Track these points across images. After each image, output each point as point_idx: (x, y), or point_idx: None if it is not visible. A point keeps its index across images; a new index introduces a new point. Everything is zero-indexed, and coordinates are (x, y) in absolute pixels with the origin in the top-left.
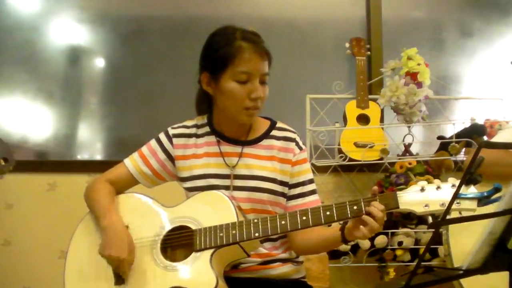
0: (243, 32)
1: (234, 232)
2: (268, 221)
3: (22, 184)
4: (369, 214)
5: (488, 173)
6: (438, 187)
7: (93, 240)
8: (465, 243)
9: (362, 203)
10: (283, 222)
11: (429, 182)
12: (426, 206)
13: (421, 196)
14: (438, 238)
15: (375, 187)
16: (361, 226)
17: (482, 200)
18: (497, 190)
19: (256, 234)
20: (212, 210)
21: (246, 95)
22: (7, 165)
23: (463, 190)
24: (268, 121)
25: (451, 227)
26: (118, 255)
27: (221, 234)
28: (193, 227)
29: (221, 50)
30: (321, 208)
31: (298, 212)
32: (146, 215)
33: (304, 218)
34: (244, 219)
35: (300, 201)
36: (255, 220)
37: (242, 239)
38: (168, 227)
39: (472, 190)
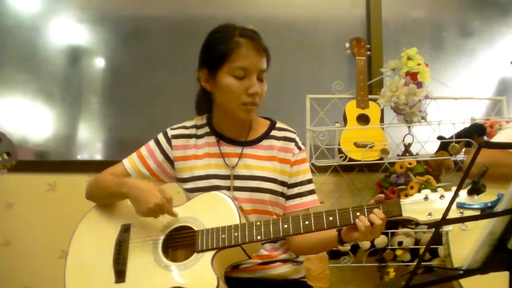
0: (241, 29)
1: (236, 234)
2: (271, 225)
3: (22, 184)
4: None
5: (488, 174)
6: (442, 196)
7: (94, 238)
8: (465, 243)
9: (365, 210)
10: (285, 226)
11: (429, 182)
12: (429, 215)
13: (425, 205)
14: (438, 238)
15: (382, 195)
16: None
17: (485, 211)
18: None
19: (259, 237)
20: (215, 211)
21: (243, 90)
22: (10, 159)
23: (466, 200)
24: (268, 121)
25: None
26: (155, 201)
27: (223, 236)
28: (195, 227)
29: (219, 46)
30: (324, 213)
31: (300, 216)
32: None
33: (306, 222)
34: (247, 221)
35: (298, 201)
36: (258, 223)
37: (244, 242)
38: (171, 227)
39: (475, 200)
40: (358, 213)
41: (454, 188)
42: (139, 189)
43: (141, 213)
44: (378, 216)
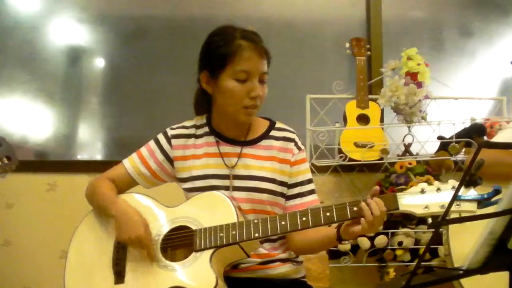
0: (242, 32)
1: (234, 232)
2: (268, 222)
3: (22, 184)
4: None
5: (488, 173)
6: (438, 189)
7: (94, 239)
8: (465, 243)
9: (361, 204)
10: (283, 223)
11: (429, 182)
12: (426, 208)
13: (421, 198)
14: (438, 238)
15: (376, 187)
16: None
17: (482, 202)
18: (497, 192)
19: (256, 235)
20: (213, 211)
21: (246, 94)
22: (10, 163)
23: (463, 192)
24: (267, 121)
25: (451, 227)
26: (137, 234)
27: (221, 234)
28: (193, 227)
29: (221, 48)
30: (321, 209)
31: (298, 213)
32: (147, 215)
33: (303, 218)
34: (244, 219)
35: (298, 201)
36: (255, 221)
37: (242, 240)
38: (169, 227)
39: (472, 192)
40: (355, 208)
41: (450, 181)
42: (126, 216)
43: (120, 239)
44: (378, 204)
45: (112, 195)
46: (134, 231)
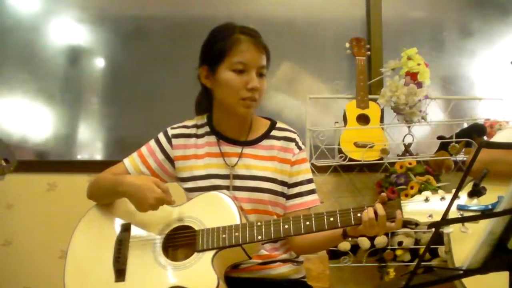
0: (241, 28)
1: (237, 234)
2: (271, 225)
3: (22, 184)
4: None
5: (489, 172)
6: (442, 198)
7: (94, 237)
8: (466, 242)
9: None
10: (286, 226)
11: (429, 182)
12: (430, 216)
13: (425, 206)
14: (438, 238)
15: (384, 194)
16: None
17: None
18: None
19: (259, 237)
20: (215, 211)
21: (243, 85)
22: (8, 165)
23: (467, 202)
24: (268, 121)
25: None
26: (155, 196)
27: (224, 236)
28: (196, 227)
29: (219, 42)
30: (325, 213)
31: (301, 217)
32: (149, 214)
33: (307, 223)
34: (247, 221)
35: (298, 200)
36: (258, 223)
37: (245, 242)
38: (171, 226)
39: (476, 203)
40: (359, 214)
41: (454, 190)
42: (135, 186)
43: (143, 211)
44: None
45: (116, 177)
46: (151, 195)
